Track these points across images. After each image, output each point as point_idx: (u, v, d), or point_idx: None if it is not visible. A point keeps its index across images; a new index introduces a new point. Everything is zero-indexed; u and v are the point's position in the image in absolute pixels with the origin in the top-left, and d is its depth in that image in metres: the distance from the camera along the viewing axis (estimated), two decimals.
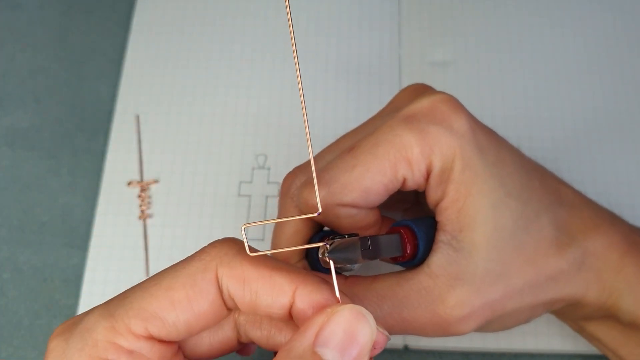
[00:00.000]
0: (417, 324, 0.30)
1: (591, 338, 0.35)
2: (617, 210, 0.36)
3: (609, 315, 0.33)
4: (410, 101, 0.31)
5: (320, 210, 0.24)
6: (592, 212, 0.33)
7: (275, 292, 0.24)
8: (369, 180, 0.29)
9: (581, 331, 0.36)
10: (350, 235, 0.27)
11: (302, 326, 0.23)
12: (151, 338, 0.24)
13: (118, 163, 0.45)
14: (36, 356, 0.41)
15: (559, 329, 0.40)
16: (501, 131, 0.45)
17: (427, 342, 0.40)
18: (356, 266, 0.27)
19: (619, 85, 0.47)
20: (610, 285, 0.32)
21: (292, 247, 0.31)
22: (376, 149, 0.30)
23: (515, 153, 0.32)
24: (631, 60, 0.48)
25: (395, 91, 0.47)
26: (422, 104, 0.30)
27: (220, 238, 0.26)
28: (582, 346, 0.39)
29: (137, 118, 0.47)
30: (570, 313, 0.35)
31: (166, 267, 0.26)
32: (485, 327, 0.31)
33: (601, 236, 0.32)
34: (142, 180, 0.45)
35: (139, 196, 0.44)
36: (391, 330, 0.30)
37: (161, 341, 0.25)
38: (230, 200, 0.44)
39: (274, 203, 0.44)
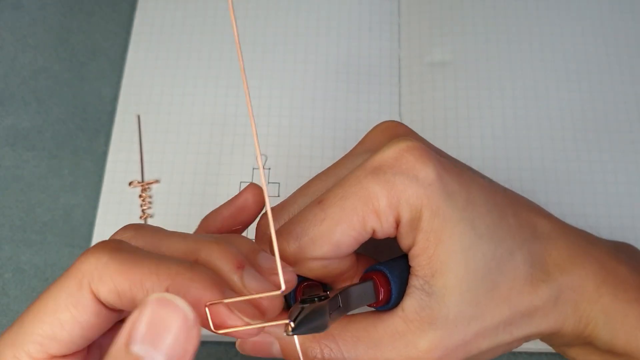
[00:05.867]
0: None
1: None
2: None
3: (587, 343, 0.33)
4: (380, 142, 0.31)
5: (283, 288, 0.23)
6: (569, 243, 0.33)
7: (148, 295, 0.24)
8: (338, 234, 0.29)
9: (563, 354, 0.36)
10: (317, 298, 0.27)
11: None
12: (53, 357, 0.25)
13: (119, 163, 0.45)
14: None
15: None
16: (500, 132, 0.46)
17: None
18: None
19: (619, 85, 0.47)
20: (587, 316, 0.32)
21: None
22: (344, 202, 0.30)
23: (487, 191, 0.32)
24: (631, 60, 0.48)
25: (395, 91, 0.48)
26: (389, 153, 0.30)
27: (92, 246, 0.26)
28: None
29: (138, 118, 0.47)
30: (549, 341, 0.35)
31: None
32: None
33: (577, 268, 0.32)
34: (143, 180, 0.45)
35: (140, 196, 0.44)
36: None
37: (64, 356, 0.26)
38: None
39: (273, 203, 0.44)
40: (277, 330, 0.31)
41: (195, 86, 0.48)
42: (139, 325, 0.22)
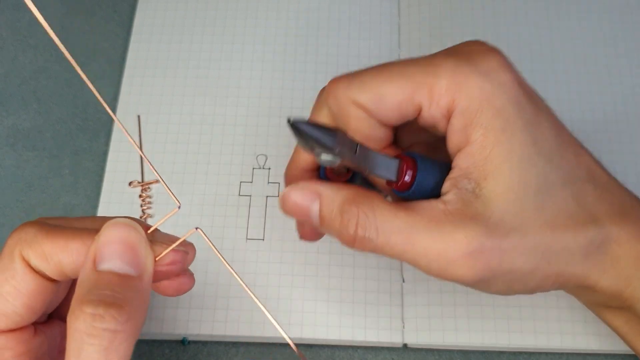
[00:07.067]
0: (421, 247, 0.29)
1: (609, 325, 0.35)
2: None
3: (626, 307, 0.32)
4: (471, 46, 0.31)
5: (179, 204, 0.28)
6: (624, 199, 0.32)
7: (74, 258, 0.27)
8: (385, 89, 0.29)
9: (599, 315, 0.35)
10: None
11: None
12: (3, 332, 0.27)
13: (119, 163, 0.46)
14: None
15: (558, 326, 0.40)
16: None
17: (426, 340, 0.40)
18: (338, 161, 0.27)
19: (617, 86, 0.47)
20: (629, 275, 0.31)
21: (304, 169, 0.35)
22: (407, 67, 0.30)
23: (555, 123, 0.31)
24: (629, 61, 0.48)
25: None
26: (473, 46, 0.30)
27: (19, 225, 0.28)
28: (581, 344, 0.40)
29: (139, 118, 0.47)
30: (585, 297, 0.34)
31: None
32: (489, 282, 0.30)
33: (628, 224, 0.31)
34: (143, 180, 0.45)
35: (140, 196, 0.44)
36: (394, 247, 0.30)
37: (12, 330, 0.27)
38: (231, 200, 0.44)
39: (274, 203, 0.44)
40: (320, 188, 0.31)
41: (195, 86, 0.48)
42: (98, 249, 0.26)
